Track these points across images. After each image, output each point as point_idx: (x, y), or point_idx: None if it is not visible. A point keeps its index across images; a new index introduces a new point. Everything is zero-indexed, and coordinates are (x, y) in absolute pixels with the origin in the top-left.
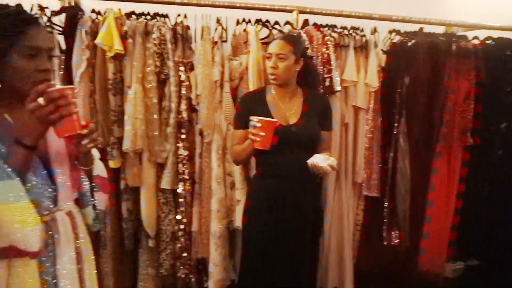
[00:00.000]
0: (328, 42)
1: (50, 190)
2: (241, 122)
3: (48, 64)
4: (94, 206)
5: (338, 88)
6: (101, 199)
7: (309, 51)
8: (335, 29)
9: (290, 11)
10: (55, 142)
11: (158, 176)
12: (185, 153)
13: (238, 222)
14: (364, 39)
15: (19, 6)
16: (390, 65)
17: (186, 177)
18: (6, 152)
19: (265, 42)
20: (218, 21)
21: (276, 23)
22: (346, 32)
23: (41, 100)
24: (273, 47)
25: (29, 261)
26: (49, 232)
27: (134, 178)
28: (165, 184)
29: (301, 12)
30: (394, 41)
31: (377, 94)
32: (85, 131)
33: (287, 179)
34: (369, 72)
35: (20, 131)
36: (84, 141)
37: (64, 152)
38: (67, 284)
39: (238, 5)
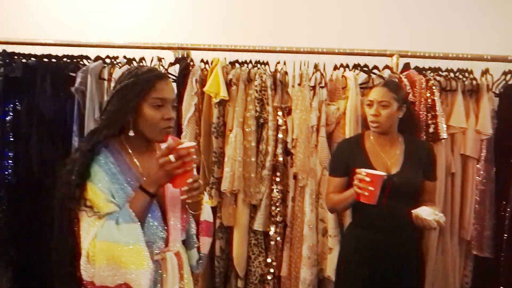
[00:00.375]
0: (433, 87)
1: (163, 231)
2: (338, 169)
3: (172, 113)
4: (198, 249)
5: (444, 135)
6: (205, 243)
7: (410, 96)
8: (440, 72)
9: (390, 56)
10: (170, 188)
11: (251, 217)
12: (279, 196)
13: (329, 271)
14: (474, 82)
15: (142, 59)
16: (505, 110)
17: (278, 220)
18: (131, 196)
19: (364, 87)
20: (316, 66)
21: (375, 67)
22: (452, 75)
23: (172, 157)
24: (375, 94)
25: None
26: (159, 271)
27: (229, 218)
28: (258, 225)
29: (402, 56)
30: (510, 82)
31: (490, 142)
32: (196, 185)
33: (385, 231)
34: (480, 117)
35: (145, 177)
36: (195, 192)
37: (178, 197)
38: None
39: (336, 51)
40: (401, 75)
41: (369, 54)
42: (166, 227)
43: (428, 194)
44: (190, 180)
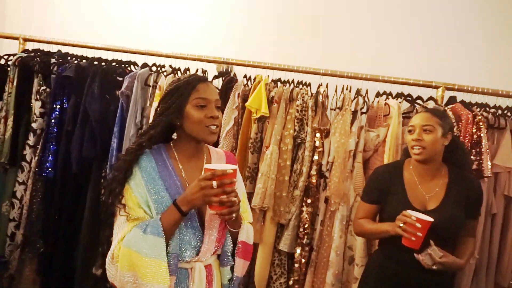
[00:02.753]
0: (480, 123)
1: (196, 241)
2: (372, 195)
3: (216, 112)
4: (232, 268)
5: (488, 173)
6: (240, 265)
7: (455, 130)
8: (487, 109)
9: (436, 87)
10: None
11: (277, 237)
12: (308, 218)
13: None
14: None
15: (186, 70)
16: None
17: (305, 242)
18: (167, 204)
19: (406, 117)
20: (358, 91)
21: (419, 98)
22: (500, 112)
23: (214, 184)
24: (418, 119)
25: None
26: (187, 279)
27: (255, 235)
28: (283, 246)
29: (448, 88)
30: None
31: None
32: (229, 204)
33: (412, 267)
34: None
35: (188, 184)
36: (226, 211)
37: None
38: None
39: (380, 78)
40: (446, 108)
41: (414, 84)
42: (202, 237)
43: (468, 231)
44: (224, 206)
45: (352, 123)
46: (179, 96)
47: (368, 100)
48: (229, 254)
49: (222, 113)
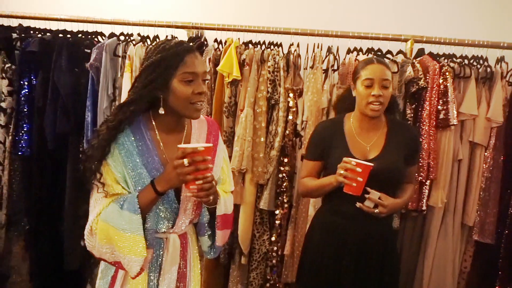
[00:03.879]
0: (447, 73)
1: (171, 214)
2: (314, 152)
3: (203, 88)
4: (209, 236)
5: (454, 121)
6: (221, 236)
7: (422, 82)
8: (454, 59)
9: (405, 40)
10: None
11: (257, 197)
12: (286, 176)
13: None
14: (488, 69)
15: (156, 37)
16: None
17: (284, 200)
18: (145, 179)
19: None
20: (329, 49)
21: (389, 52)
22: (466, 62)
23: (185, 162)
24: (375, 72)
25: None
26: (162, 248)
27: (236, 196)
28: (264, 204)
29: (417, 41)
30: None
31: (500, 130)
32: (206, 186)
33: (354, 218)
34: (492, 105)
35: (168, 158)
36: (202, 193)
37: None
38: None
39: (350, 34)
40: (414, 61)
41: (383, 39)
42: (177, 210)
43: (407, 177)
44: (199, 182)
45: (324, 81)
46: (165, 68)
47: (339, 58)
48: (206, 225)
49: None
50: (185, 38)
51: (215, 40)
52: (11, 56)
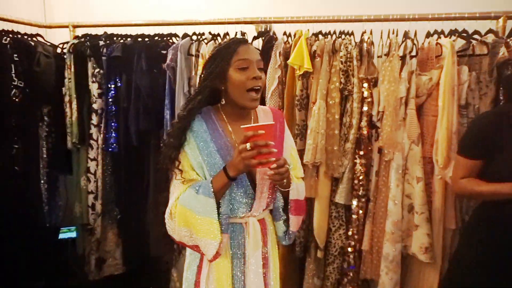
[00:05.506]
0: None
1: (247, 198)
2: (475, 149)
3: (258, 72)
4: (284, 221)
5: None
6: (294, 221)
7: None
8: None
9: (496, 18)
10: None
11: (332, 190)
12: (362, 169)
13: (414, 249)
14: None
15: (226, 34)
16: None
17: (361, 194)
18: (219, 165)
19: (462, 56)
20: (405, 34)
21: (476, 32)
22: None
23: (248, 146)
24: None
25: (222, 258)
26: (242, 233)
27: (310, 190)
28: (339, 198)
29: (510, 17)
30: None
31: None
32: (282, 170)
33: None
34: None
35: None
36: (277, 177)
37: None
38: (252, 284)
39: (430, 16)
40: (509, 40)
41: (470, 18)
42: (253, 195)
43: None
44: (274, 166)
45: (401, 68)
46: (221, 60)
47: (418, 43)
48: (281, 210)
49: (266, 74)
50: (254, 33)
51: (284, 33)
52: (99, 61)
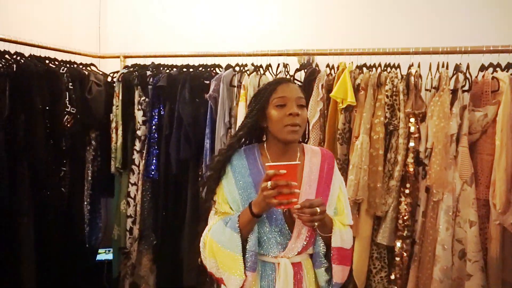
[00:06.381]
0: None
1: (282, 237)
2: None
3: (295, 109)
4: (327, 270)
5: None
6: (337, 271)
7: None
8: None
9: None
10: (303, 195)
11: (374, 229)
12: (408, 209)
13: None
14: None
15: (268, 66)
16: None
17: (406, 235)
18: (245, 206)
19: None
20: (457, 67)
21: None
22: None
23: (269, 184)
24: None
25: None
26: (273, 274)
27: None
28: (382, 238)
29: None
30: None
31: None
32: (308, 211)
33: None
34: None
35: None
36: (306, 217)
37: None
38: None
39: (484, 48)
40: None
41: None
42: (289, 235)
43: None
44: (297, 206)
45: (452, 103)
46: (261, 99)
47: (471, 76)
48: (322, 256)
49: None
50: (297, 65)
51: (327, 66)
52: (146, 90)
